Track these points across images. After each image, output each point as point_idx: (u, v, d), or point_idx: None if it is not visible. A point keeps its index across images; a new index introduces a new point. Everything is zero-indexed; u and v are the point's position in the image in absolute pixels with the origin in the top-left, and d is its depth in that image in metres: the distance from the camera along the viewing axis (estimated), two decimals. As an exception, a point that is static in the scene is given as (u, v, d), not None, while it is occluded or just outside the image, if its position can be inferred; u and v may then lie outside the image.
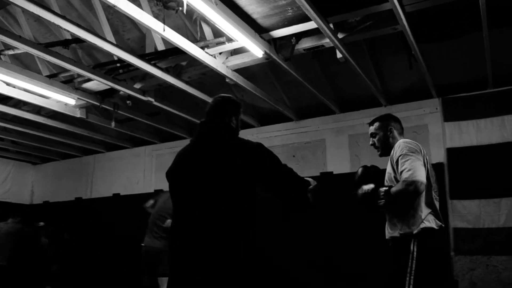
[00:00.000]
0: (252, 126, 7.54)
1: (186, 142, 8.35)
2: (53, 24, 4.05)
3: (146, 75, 5.74)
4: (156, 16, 4.43)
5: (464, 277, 5.73)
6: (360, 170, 3.43)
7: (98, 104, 6.18)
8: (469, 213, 5.84)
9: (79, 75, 5.66)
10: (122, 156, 8.99)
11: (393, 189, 2.94)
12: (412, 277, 2.84)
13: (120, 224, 8.16)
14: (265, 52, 4.82)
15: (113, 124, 6.85)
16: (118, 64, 5.50)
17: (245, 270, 2.32)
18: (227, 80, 5.50)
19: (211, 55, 5.04)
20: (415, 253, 2.87)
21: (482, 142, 5.94)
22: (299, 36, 4.84)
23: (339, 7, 4.33)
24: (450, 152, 6.09)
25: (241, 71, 5.60)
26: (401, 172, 2.90)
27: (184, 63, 5.52)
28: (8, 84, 5.65)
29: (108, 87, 5.74)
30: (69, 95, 5.92)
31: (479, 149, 5.92)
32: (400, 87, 6.40)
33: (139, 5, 4.52)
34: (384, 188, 3.00)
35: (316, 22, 4.28)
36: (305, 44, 4.92)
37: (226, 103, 2.85)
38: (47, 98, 6.09)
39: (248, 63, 5.31)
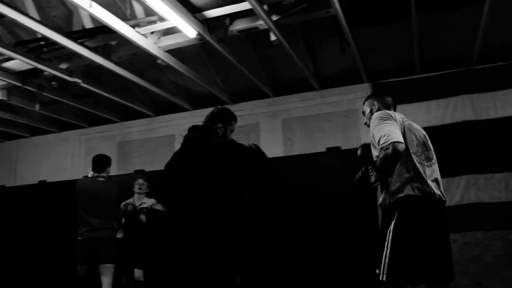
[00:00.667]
0: (185, 110, 7.39)
1: (116, 126, 8.16)
2: (-33, -4, 3.75)
3: (73, 55, 5.45)
4: (82, -9, 4.20)
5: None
6: (359, 149, 3.43)
7: (20, 85, 5.82)
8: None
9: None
10: (48, 141, 8.55)
11: (377, 162, 2.79)
12: (388, 250, 2.69)
13: (47, 212, 7.81)
14: (198, 33, 4.71)
15: (37, 106, 6.51)
16: (42, 42, 5.18)
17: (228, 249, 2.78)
18: (158, 61, 5.34)
19: (142, 35, 4.87)
20: (392, 225, 2.73)
21: (408, 125, 6.14)
22: (233, 17, 4.76)
23: (273, -11, 4.31)
24: (380, 136, 6.25)
25: (174, 52, 5.45)
26: (378, 142, 2.77)
27: (113, 43, 5.30)
28: None
29: (31, 66, 5.41)
30: (-13, 75, 5.54)
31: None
32: (332, 71, 6.49)
33: (63, -21, 4.28)
34: (371, 165, 2.88)
35: (250, 3, 4.24)
36: (239, 25, 4.85)
37: (219, 113, 3.38)
38: (-37, 78, 5.67)
39: (181, 44, 5.18)
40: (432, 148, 3.06)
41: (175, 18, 4.38)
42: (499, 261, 5.66)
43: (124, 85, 6.75)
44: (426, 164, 2.90)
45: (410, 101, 6.12)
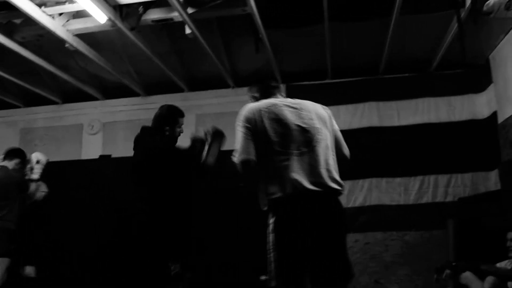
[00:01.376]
0: (96, 99, 7.11)
1: (19, 111, 7.68)
2: None
3: (-29, 31, 5.06)
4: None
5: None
6: None
7: None
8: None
9: None
10: None
11: None
12: (271, 255, 2.44)
13: None
14: (109, 19, 4.54)
15: None
16: None
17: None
18: (66, 45, 5.08)
19: (49, 15, 4.60)
20: (268, 228, 2.50)
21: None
22: (148, 5, 4.64)
23: (189, -20, 4.24)
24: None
25: (84, 37, 5.22)
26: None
27: (18, 21, 4.97)
28: None
29: None
30: None
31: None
32: (248, 70, 6.52)
33: None
34: None
35: (165, -8, 4.14)
36: (154, 15, 4.73)
37: (165, 116, 3.68)
38: None
39: (91, 29, 4.96)
40: (316, 131, 2.56)
41: (84, 1, 4.19)
42: (396, 260, 6.00)
43: (30, 68, 6.33)
44: (295, 154, 2.49)
45: (322, 104, 6.28)
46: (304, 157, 2.50)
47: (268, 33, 5.14)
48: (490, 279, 4.08)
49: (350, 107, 6.36)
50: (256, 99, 2.85)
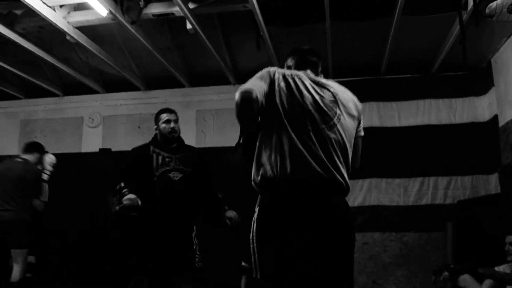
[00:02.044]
0: (96, 92, 7.10)
1: (19, 103, 7.68)
2: None
3: (-28, 19, 5.05)
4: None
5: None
6: None
7: None
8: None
9: None
10: None
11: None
12: (254, 245, 2.09)
13: None
14: (110, 12, 4.51)
15: None
16: None
17: None
18: (67, 37, 5.06)
19: (50, 7, 4.58)
20: (255, 214, 2.14)
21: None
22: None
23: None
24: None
25: (86, 30, 5.20)
26: None
27: (19, 12, 4.95)
28: None
29: None
30: None
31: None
32: (249, 67, 6.47)
33: None
34: None
35: (166, -13, 4.13)
36: (155, 9, 4.71)
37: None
38: None
39: (92, 22, 4.94)
40: (335, 115, 2.20)
41: (85, -7, 4.18)
42: (394, 261, 5.99)
43: (31, 59, 6.32)
44: (300, 131, 2.13)
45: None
46: (310, 137, 2.11)
47: (269, 30, 5.11)
48: (488, 282, 4.07)
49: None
50: (289, 69, 2.49)
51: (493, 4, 3.70)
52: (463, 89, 6.22)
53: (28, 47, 5.39)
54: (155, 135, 3.85)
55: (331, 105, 2.21)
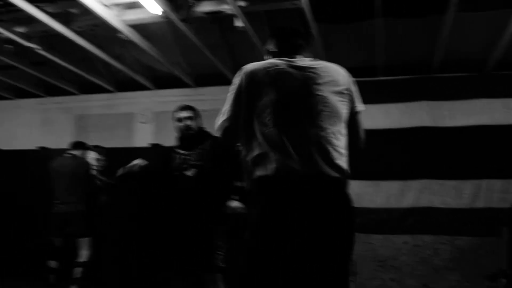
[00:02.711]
0: (147, 88, 7.25)
1: (74, 98, 7.94)
2: None
3: (32, 20, 5.23)
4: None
5: (344, 253, 6.00)
6: None
7: (-28, 45, 5.58)
8: (351, 192, 6.07)
9: (-49, 11, 5.05)
10: (1, 107, 8.24)
11: None
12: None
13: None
14: (163, 10, 4.59)
15: (-8, 70, 6.26)
16: (1, 2, 4.96)
17: None
18: (119, 35, 5.19)
19: (105, 5, 4.70)
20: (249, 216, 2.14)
21: (368, 126, 6.15)
22: (200, -2, 4.68)
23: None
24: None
25: (138, 27, 5.32)
26: None
27: (74, 11, 5.11)
28: None
29: (-14, 27, 5.18)
30: None
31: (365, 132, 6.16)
32: (296, 64, 6.45)
33: None
34: None
35: (217, -14, 4.15)
36: (205, 7, 4.77)
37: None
38: None
39: (144, 20, 5.05)
40: (320, 100, 2.10)
41: (139, -8, 4.26)
42: (446, 265, 5.81)
43: (85, 56, 6.53)
44: (285, 126, 2.05)
45: (371, 102, 6.14)
46: (295, 131, 2.04)
47: (318, 28, 5.05)
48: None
49: (401, 105, 6.17)
50: (273, 56, 2.36)
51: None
52: (521, 88, 5.96)
53: (83, 44, 5.57)
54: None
55: (315, 88, 2.10)
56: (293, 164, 1.96)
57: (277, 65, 2.17)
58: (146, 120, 7.28)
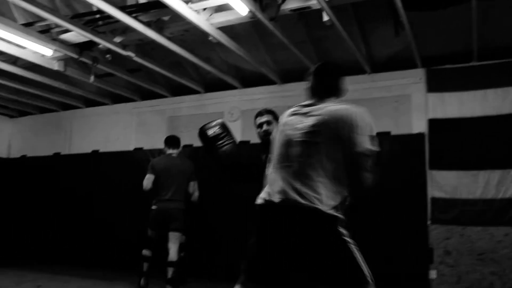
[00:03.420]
0: (235, 88, 7.42)
1: (166, 101, 8.33)
2: (28, -32, 3.86)
3: (127, 29, 5.54)
4: (137, -34, 4.25)
5: (439, 246, 5.83)
6: None
7: (76, 56, 5.98)
8: (447, 183, 5.90)
9: (57, 25, 5.44)
10: (101, 113, 8.81)
11: None
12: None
13: (100, 180, 8.11)
14: (250, 11, 4.68)
15: (92, 78, 6.68)
16: (98, 16, 5.30)
17: None
18: (210, 38, 5.35)
19: (195, 11, 4.87)
20: None
21: (464, 114, 5.96)
22: (286, -5, 4.70)
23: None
24: (432, 123, 6.09)
25: (225, 29, 5.45)
26: None
27: (166, 18, 5.34)
28: (-19, 31, 5.43)
29: (87, 39, 5.54)
30: (46, 46, 5.71)
31: (461, 121, 5.94)
32: (385, 56, 6.33)
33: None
34: None
35: (304, -18, 4.16)
36: (292, 4, 4.77)
37: None
38: (23, 48, 5.88)
39: (232, 22, 5.16)
40: (305, 145, 2.51)
41: (228, -5, 4.37)
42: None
43: (175, 61, 6.82)
44: (278, 167, 2.60)
45: (466, 88, 5.92)
46: (284, 171, 2.51)
47: (408, 16, 4.91)
48: None
49: (500, 91, 5.84)
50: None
51: None
52: None
53: (175, 50, 5.80)
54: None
55: (302, 135, 2.50)
56: (272, 196, 2.50)
57: (289, 113, 2.69)
58: (234, 118, 7.44)
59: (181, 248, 6.15)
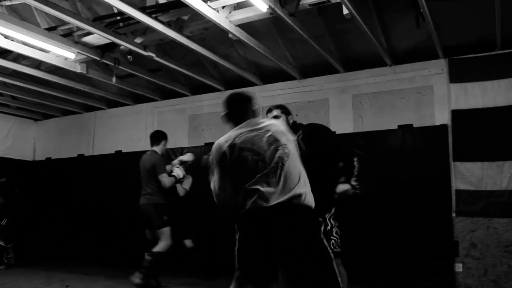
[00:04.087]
0: (254, 84, 7.43)
1: (187, 99, 8.38)
2: (50, -27, 3.92)
3: (147, 29, 5.61)
4: (157, -34, 4.28)
5: (465, 238, 5.76)
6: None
7: (98, 58, 6.06)
8: (471, 175, 5.83)
9: (79, 29, 5.53)
10: (123, 113, 8.92)
11: None
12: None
13: (123, 180, 8.19)
14: (270, 7, 4.68)
15: (114, 79, 6.76)
16: (118, 17, 5.36)
17: None
18: (230, 35, 5.36)
19: (214, 9, 4.89)
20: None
21: (487, 104, 5.87)
22: (305, -10, 4.70)
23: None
24: (455, 114, 6.02)
25: (244, 26, 5.46)
26: None
27: (186, 17, 5.38)
28: (6, 37, 5.53)
29: (109, 41, 5.61)
30: (68, 49, 5.81)
31: (484, 111, 5.85)
32: (406, 47, 6.27)
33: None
34: None
35: (323, -25, 4.14)
36: (311, -1, 4.77)
37: None
38: (47, 52, 5.98)
39: (251, 18, 5.16)
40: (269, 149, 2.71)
41: (246, -8, 4.38)
42: None
43: (195, 59, 6.87)
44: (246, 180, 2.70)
45: (490, 78, 5.83)
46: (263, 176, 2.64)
47: (429, 6, 4.86)
48: None
49: (525, 79, 5.75)
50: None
51: None
52: None
53: (194, 48, 5.82)
54: None
55: (269, 143, 2.71)
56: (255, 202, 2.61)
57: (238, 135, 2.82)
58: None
59: (194, 250, 6.34)
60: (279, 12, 4.80)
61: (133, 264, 5.77)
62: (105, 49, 6.03)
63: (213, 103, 7.89)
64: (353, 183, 3.59)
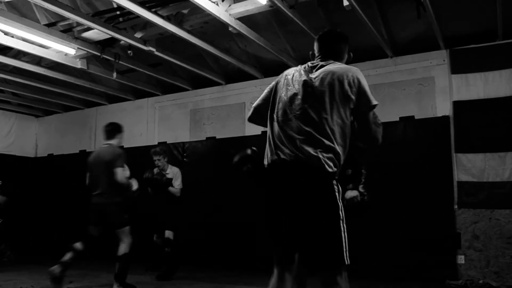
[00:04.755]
0: (255, 78, 7.41)
1: (188, 94, 8.37)
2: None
3: (147, 24, 5.61)
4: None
5: (467, 230, 5.76)
6: None
7: (98, 54, 6.06)
8: (473, 166, 5.81)
9: (78, 24, 5.52)
10: (124, 108, 8.92)
11: None
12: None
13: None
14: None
15: (114, 75, 6.76)
16: (118, 12, 5.36)
17: None
18: (230, 29, 5.35)
19: (214, 2, 4.89)
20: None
21: (489, 95, 5.84)
22: (305, -18, 4.68)
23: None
24: (457, 105, 6.00)
25: (244, 19, 5.44)
26: None
27: (185, 11, 5.37)
28: (6, 33, 5.53)
29: (108, 36, 5.62)
30: (68, 45, 5.80)
31: (486, 102, 5.83)
32: (407, 38, 6.25)
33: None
34: None
35: (322, -33, 4.12)
36: (311, -9, 4.76)
37: None
38: (47, 48, 5.98)
39: (251, 11, 5.16)
40: (306, 96, 2.45)
41: (246, -15, 4.37)
42: None
43: (196, 53, 6.85)
44: (280, 121, 2.51)
45: (491, 68, 5.80)
46: (286, 124, 2.45)
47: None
48: None
49: (527, 69, 5.72)
50: (312, 58, 2.83)
51: None
52: None
53: (195, 42, 5.82)
54: None
55: (300, 88, 2.46)
56: (278, 154, 2.43)
57: (298, 70, 2.59)
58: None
59: (167, 243, 6.20)
60: (279, 4, 4.78)
61: (135, 259, 5.78)
62: (105, 44, 6.02)
63: (214, 97, 7.89)
64: (361, 190, 3.58)
